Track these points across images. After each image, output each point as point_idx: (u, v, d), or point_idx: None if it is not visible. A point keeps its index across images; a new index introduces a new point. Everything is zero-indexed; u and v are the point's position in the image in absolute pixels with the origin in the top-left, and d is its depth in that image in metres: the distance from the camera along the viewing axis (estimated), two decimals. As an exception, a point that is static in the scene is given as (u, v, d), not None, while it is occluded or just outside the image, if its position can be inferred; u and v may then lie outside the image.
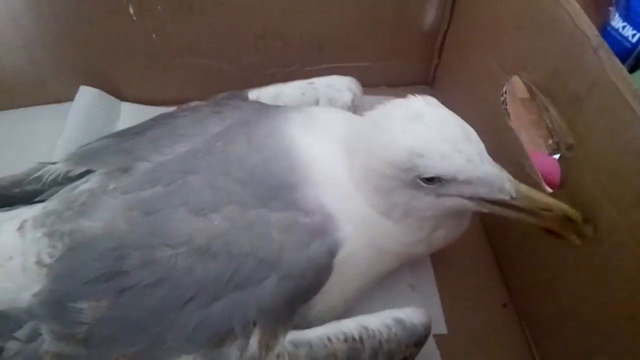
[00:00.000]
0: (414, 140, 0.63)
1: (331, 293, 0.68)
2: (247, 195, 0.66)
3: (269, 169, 0.69)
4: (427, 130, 0.63)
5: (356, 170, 0.69)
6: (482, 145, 0.65)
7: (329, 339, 0.63)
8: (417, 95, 0.68)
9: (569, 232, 0.67)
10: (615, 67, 0.60)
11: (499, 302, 0.91)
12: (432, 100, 0.68)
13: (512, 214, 0.66)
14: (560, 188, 0.71)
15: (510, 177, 0.64)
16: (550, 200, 0.65)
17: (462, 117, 0.67)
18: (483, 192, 0.64)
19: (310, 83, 0.90)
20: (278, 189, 0.67)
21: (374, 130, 0.67)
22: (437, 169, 0.62)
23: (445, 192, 0.65)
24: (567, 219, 0.65)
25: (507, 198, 0.64)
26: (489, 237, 0.99)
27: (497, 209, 0.66)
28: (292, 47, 1.09)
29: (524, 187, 0.65)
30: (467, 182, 0.63)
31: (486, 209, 0.67)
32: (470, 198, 0.66)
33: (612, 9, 1.22)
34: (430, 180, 0.64)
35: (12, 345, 0.62)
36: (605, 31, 1.21)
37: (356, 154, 0.69)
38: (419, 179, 0.64)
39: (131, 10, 0.99)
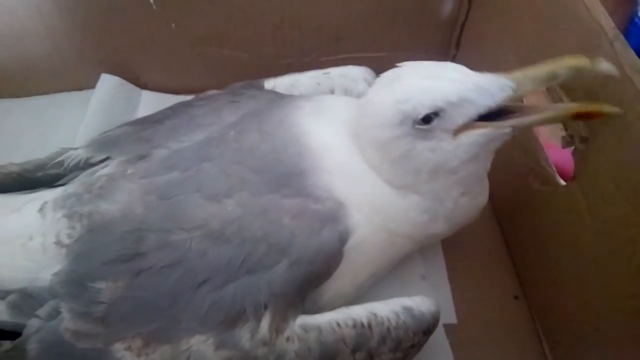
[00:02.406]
0: (393, 93, 0.64)
1: (342, 280, 0.69)
2: (260, 183, 0.67)
3: (279, 157, 0.69)
4: (402, 79, 0.65)
5: (368, 152, 0.69)
6: (462, 67, 0.64)
7: (338, 324, 0.64)
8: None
9: (598, 104, 0.62)
10: (630, 59, 0.59)
11: (510, 293, 0.91)
12: (403, 63, 0.67)
13: (533, 119, 0.63)
14: (573, 180, 0.71)
15: (502, 75, 0.62)
16: (550, 66, 0.61)
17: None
18: (484, 100, 0.62)
19: (326, 73, 0.90)
20: (288, 176, 0.68)
21: (362, 108, 0.69)
22: (425, 102, 0.62)
23: (455, 126, 0.63)
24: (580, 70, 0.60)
25: (510, 93, 0.62)
26: (502, 229, 0.98)
27: (516, 122, 0.63)
28: (309, 37, 1.09)
29: (519, 73, 0.62)
30: (464, 100, 0.62)
31: (507, 129, 0.64)
32: (481, 121, 0.63)
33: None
34: (428, 118, 0.63)
35: (33, 323, 0.64)
36: (632, 22, 1.18)
37: (360, 137, 0.69)
38: (417, 125, 0.63)
39: (151, 0, 1.00)
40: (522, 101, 0.69)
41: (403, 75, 0.65)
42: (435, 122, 0.63)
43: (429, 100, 0.62)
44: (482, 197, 0.75)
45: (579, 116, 0.62)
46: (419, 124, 0.63)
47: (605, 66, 0.58)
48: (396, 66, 0.67)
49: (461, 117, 0.63)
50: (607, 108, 0.60)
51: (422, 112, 0.62)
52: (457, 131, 0.64)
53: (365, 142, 0.68)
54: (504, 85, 0.61)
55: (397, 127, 0.64)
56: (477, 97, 0.62)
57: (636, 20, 1.18)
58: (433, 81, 0.63)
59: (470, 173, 0.68)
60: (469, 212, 0.74)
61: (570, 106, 0.63)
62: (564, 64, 0.60)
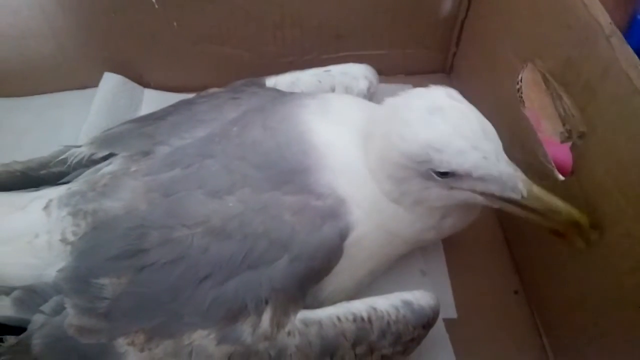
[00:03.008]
0: (431, 133, 0.63)
1: (342, 275, 0.70)
2: (261, 179, 0.68)
3: (283, 154, 0.70)
4: (446, 124, 0.63)
5: (371, 157, 0.70)
6: (499, 143, 0.65)
7: (339, 319, 0.65)
8: (438, 86, 0.68)
9: (575, 236, 0.67)
10: (627, 55, 0.60)
11: (510, 288, 0.91)
12: (453, 93, 0.67)
13: (521, 213, 0.67)
14: (571, 175, 0.71)
15: (524, 177, 0.64)
16: (560, 204, 0.64)
17: (479, 105, 0.67)
18: (495, 189, 0.65)
19: (327, 70, 0.91)
20: (291, 172, 0.69)
21: (393, 119, 0.67)
22: (452, 164, 0.63)
23: (458, 186, 0.66)
24: (575, 223, 0.65)
25: (518, 198, 0.64)
26: (502, 225, 0.99)
27: (506, 206, 0.67)
28: (310, 35, 1.10)
29: (536, 188, 0.65)
30: (481, 179, 0.64)
31: (496, 205, 0.67)
32: (482, 194, 0.66)
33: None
34: (444, 174, 0.64)
35: (38, 318, 0.65)
36: (634, 20, 1.18)
37: (372, 140, 0.70)
38: (433, 172, 0.64)
39: (153, -1, 1.01)
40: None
41: (447, 119, 0.64)
42: (448, 179, 0.65)
43: (457, 165, 0.63)
44: (469, 216, 0.77)
45: (555, 234, 0.68)
46: (436, 173, 0.65)
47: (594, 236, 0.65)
48: (436, 86, 0.68)
49: (468, 186, 0.66)
50: (579, 244, 0.67)
51: (445, 169, 0.64)
52: (455, 187, 0.67)
53: (375, 148, 0.69)
54: (518, 189, 0.64)
55: (415, 163, 0.65)
56: (492, 182, 0.64)
57: (638, 18, 1.18)
58: (470, 148, 0.63)
59: (452, 208, 0.72)
60: (456, 227, 0.77)
61: (555, 226, 0.67)
62: (571, 212, 0.64)
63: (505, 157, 0.65)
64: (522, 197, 0.64)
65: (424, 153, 0.63)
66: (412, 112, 0.66)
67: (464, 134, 0.63)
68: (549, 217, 0.66)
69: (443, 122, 0.63)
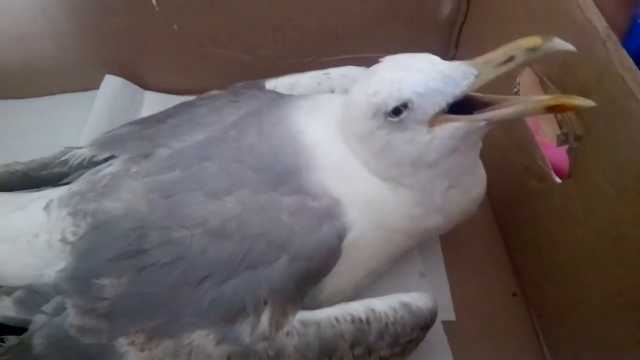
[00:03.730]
0: (366, 87, 0.66)
1: (340, 276, 0.70)
2: (259, 181, 0.69)
3: (277, 155, 0.71)
4: (375, 74, 0.67)
5: (352, 145, 0.70)
6: (432, 56, 0.66)
7: (337, 320, 0.65)
8: None
9: (570, 96, 0.62)
10: (622, 58, 0.60)
11: (508, 291, 0.92)
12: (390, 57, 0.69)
13: (505, 112, 0.64)
14: (569, 178, 0.72)
15: (466, 62, 0.64)
16: (505, 49, 0.62)
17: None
18: (452, 90, 0.63)
19: (326, 73, 0.92)
20: (285, 173, 0.69)
21: (345, 101, 0.71)
22: (393, 94, 0.64)
23: (425, 117, 0.64)
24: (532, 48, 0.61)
25: (473, 78, 0.63)
26: (500, 227, 0.99)
27: (489, 116, 0.64)
28: (310, 38, 1.11)
29: (479, 59, 0.64)
30: (431, 90, 0.63)
31: (481, 123, 0.65)
32: (454, 114, 0.64)
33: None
34: (398, 111, 0.64)
35: (39, 319, 0.65)
36: (635, 24, 1.18)
37: (344, 130, 0.71)
38: (389, 117, 0.65)
39: (154, 2, 1.02)
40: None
41: (378, 69, 0.67)
42: (405, 114, 0.64)
43: (395, 92, 0.64)
44: (475, 189, 0.76)
45: (552, 109, 0.62)
46: (390, 116, 0.65)
47: (558, 44, 0.60)
48: (379, 62, 0.69)
49: (430, 107, 0.64)
50: (579, 101, 0.60)
51: (391, 104, 0.64)
52: (433, 124, 0.65)
53: (348, 135, 0.70)
54: (467, 72, 0.63)
55: (371, 120, 0.66)
56: (443, 86, 0.63)
57: (639, 22, 1.18)
58: (401, 73, 0.65)
59: (452, 166, 0.69)
60: (462, 205, 0.75)
61: (543, 98, 0.64)
62: (518, 46, 0.61)
63: (442, 62, 0.65)
64: (475, 75, 0.63)
65: (368, 104, 0.66)
66: (356, 85, 0.70)
67: (392, 68, 0.66)
68: (527, 99, 0.64)
69: (372, 75, 0.67)
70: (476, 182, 0.76)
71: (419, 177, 0.69)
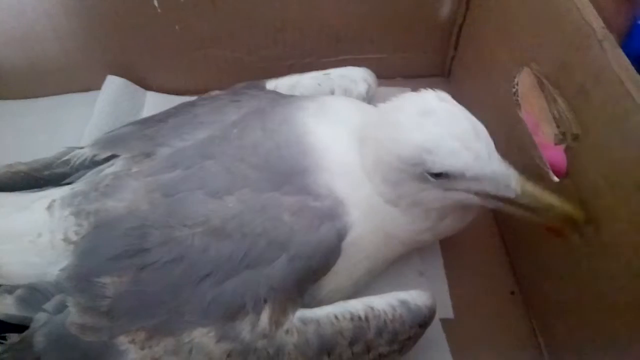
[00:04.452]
0: (423, 135, 0.64)
1: (340, 275, 0.71)
2: (261, 180, 0.69)
3: (282, 155, 0.71)
4: (437, 126, 0.64)
5: (366, 160, 0.71)
6: (491, 143, 0.66)
7: (336, 317, 0.66)
8: (430, 89, 0.69)
9: (571, 231, 0.68)
10: (619, 58, 0.61)
11: (506, 289, 0.92)
12: (444, 95, 0.68)
13: (517, 212, 0.68)
14: (566, 177, 0.72)
15: (517, 175, 0.65)
16: (554, 200, 0.66)
17: (477, 108, 0.68)
18: (489, 188, 0.66)
19: (326, 74, 0.92)
20: (290, 173, 0.70)
21: (386, 123, 0.69)
22: (444, 165, 0.64)
23: (452, 187, 0.67)
24: (570, 219, 0.66)
25: (512, 196, 0.65)
26: (499, 226, 1.00)
27: (502, 206, 0.68)
28: (310, 39, 1.11)
29: (529, 186, 0.66)
30: (474, 178, 0.65)
31: (491, 205, 0.69)
32: (477, 193, 0.67)
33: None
34: (438, 175, 0.65)
35: (40, 317, 0.65)
36: (635, 25, 1.18)
37: (367, 144, 0.71)
38: (426, 173, 0.65)
39: (155, 3, 1.02)
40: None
41: (439, 120, 0.65)
42: (442, 180, 0.66)
43: (449, 166, 0.64)
44: (466, 217, 0.77)
45: (549, 230, 0.70)
46: (430, 175, 0.66)
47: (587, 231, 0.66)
48: (428, 90, 0.69)
49: (463, 187, 0.67)
50: (573, 239, 0.68)
51: (438, 171, 0.65)
52: (450, 189, 0.68)
53: (370, 151, 0.71)
54: (511, 187, 0.65)
55: (408, 165, 0.66)
56: (485, 182, 0.65)
57: (639, 23, 1.18)
58: (462, 148, 0.64)
59: (449, 209, 0.72)
60: (453, 229, 0.78)
61: (549, 222, 0.69)
62: (565, 208, 0.66)
63: (497, 156, 0.65)
64: (516, 194, 0.65)
65: (417, 155, 0.64)
66: (404, 115, 0.67)
67: (456, 134, 0.64)
68: (544, 214, 0.67)
69: (434, 124, 0.65)
70: (468, 213, 0.77)
71: (415, 210, 0.72)
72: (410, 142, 0.65)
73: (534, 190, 0.66)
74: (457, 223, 0.77)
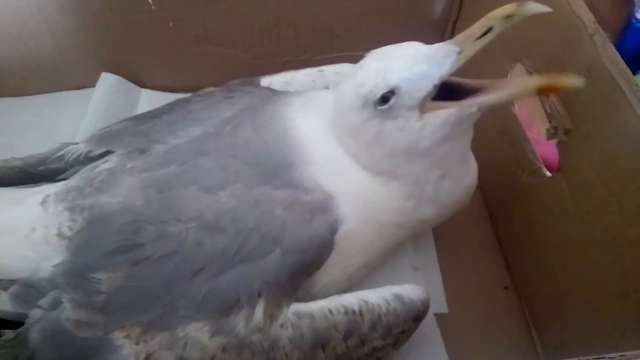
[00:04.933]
0: (353, 80, 0.68)
1: (333, 269, 0.71)
2: (253, 175, 0.70)
3: (269, 150, 0.72)
4: (362, 67, 0.68)
5: (344, 139, 0.71)
6: (417, 44, 0.67)
7: (330, 311, 0.66)
8: None
9: (560, 77, 0.60)
10: (609, 52, 0.62)
11: (500, 284, 0.93)
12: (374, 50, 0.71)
13: (496, 97, 0.64)
14: (558, 171, 0.73)
15: (447, 41, 0.65)
16: (483, 21, 0.63)
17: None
18: (436, 71, 0.64)
19: (320, 70, 0.93)
20: (278, 168, 0.70)
21: (334, 97, 0.72)
22: (379, 83, 0.65)
23: (414, 102, 0.65)
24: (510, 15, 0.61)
25: (455, 57, 0.63)
26: (492, 221, 1.00)
27: (480, 100, 0.65)
28: (305, 36, 1.12)
29: (459, 36, 0.65)
30: (417, 75, 0.64)
31: (472, 109, 0.65)
32: (441, 100, 0.65)
33: (637, 0, 1.19)
34: (386, 99, 0.65)
35: (35, 313, 0.65)
36: (630, 23, 1.19)
37: (335, 124, 0.72)
38: (378, 106, 0.65)
39: (150, 0, 1.02)
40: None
41: (364, 63, 0.69)
42: (393, 100, 0.65)
43: (381, 80, 0.65)
44: (467, 179, 0.76)
45: (543, 90, 0.62)
46: (379, 104, 0.66)
47: (533, 7, 0.59)
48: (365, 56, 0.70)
49: (418, 90, 0.65)
50: (570, 81, 0.59)
51: (378, 93, 0.65)
52: (424, 111, 0.66)
53: (339, 130, 0.71)
54: (449, 50, 0.64)
55: (361, 111, 0.67)
56: (427, 68, 0.64)
57: (633, 21, 1.19)
58: (385, 61, 0.66)
59: (446, 154, 0.70)
60: (455, 195, 0.76)
61: (533, 80, 0.64)
62: (494, 16, 0.62)
63: (426, 47, 0.66)
64: (457, 52, 0.64)
65: (356, 96, 0.67)
66: (344, 80, 0.71)
67: (377, 59, 0.68)
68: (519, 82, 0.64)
69: (359, 68, 0.69)
70: (468, 172, 0.76)
71: (412, 168, 0.70)
72: (347, 91, 0.68)
73: (465, 33, 0.64)
74: (458, 185, 0.75)
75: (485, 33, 0.62)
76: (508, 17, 0.61)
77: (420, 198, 0.73)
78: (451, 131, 0.67)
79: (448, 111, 0.65)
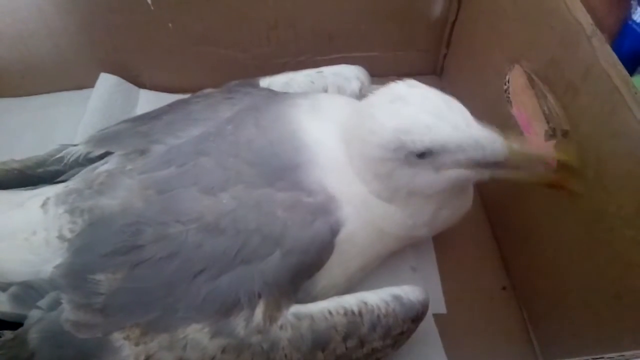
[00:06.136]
0: (397, 119, 0.65)
1: (333, 271, 0.71)
2: (254, 176, 0.70)
3: (275, 151, 0.72)
4: (409, 107, 0.66)
5: (355, 160, 0.71)
6: (467, 112, 0.66)
7: (330, 312, 0.66)
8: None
9: (571, 180, 0.66)
10: (607, 54, 0.62)
11: (498, 284, 0.93)
12: (413, 82, 0.70)
13: (511, 175, 0.67)
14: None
15: (501, 137, 0.65)
16: (543, 152, 0.66)
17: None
18: (476, 155, 0.65)
19: (319, 72, 0.93)
20: (283, 169, 0.70)
21: (361, 119, 0.70)
22: (424, 141, 0.64)
23: (442, 165, 0.67)
24: (564, 165, 0.66)
25: (501, 158, 0.65)
26: (490, 222, 1.01)
27: (496, 172, 0.67)
28: (303, 37, 1.12)
29: (516, 145, 0.66)
30: (459, 149, 0.65)
31: (486, 175, 0.68)
32: (467, 166, 0.67)
33: (634, 2, 1.20)
34: (422, 155, 0.66)
35: (35, 314, 0.65)
36: (626, 25, 1.19)
37: (351, 144, 0.72)
38: (411, 155, 0.66)
39: (149, 1, 1.02)
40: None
41: (410, 102, 0.66)
42: (428, 159, 0.66)
43: (428, 141, 0.64)
44: (463, 208, 0.78)
45: (550, 186, 0.68)
46: (414, 156, 0.66)
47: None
48: (402, 80, 0.69)
49: (451, 162, 0.67)
50: (576, 187, 0.66)
51: (420, 149, 0.65)
52: (441, 167, 0.67)
53: (355, 151, 0.71)
54: (498, 151, 0.65)
55: (390, 152, 0.66)
56: (472, 151, 0.65)
57: (630, 23, 1.19)
58: (437, 121, 0.64)
59: (446, 196, 0.72)
60: (450, 221, 0.78)
61: (546, 176, 0.68)
62: (555, 157, 0.66)
63: (476, 123, 0.66)
64: (505, 155, 0.65)
65: (395, 138, 0.65)
66: (376, 107, 0.68)
67: (428, 110, 0.65)
68: (538, 168, 0.67)
69: (405, 105, 0.66)
70: (464, 202, 0.78)
71: (412, 202, 0.72)
72: (386, 128, 0.66)
73: (521, 147, 0.66)
74: (453, 214, 0.77)
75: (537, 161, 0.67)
76: (567, 167, 0.67)
77: (416, 223, 0.74)
78: (459, 184, 0.70)
79: (462, 172, 0.68)
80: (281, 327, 0.65)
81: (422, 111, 0.65)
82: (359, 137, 0.70)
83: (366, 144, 0.68)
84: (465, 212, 0.79)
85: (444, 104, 0.66)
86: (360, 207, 0.71)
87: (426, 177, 0.68)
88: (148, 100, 1.15)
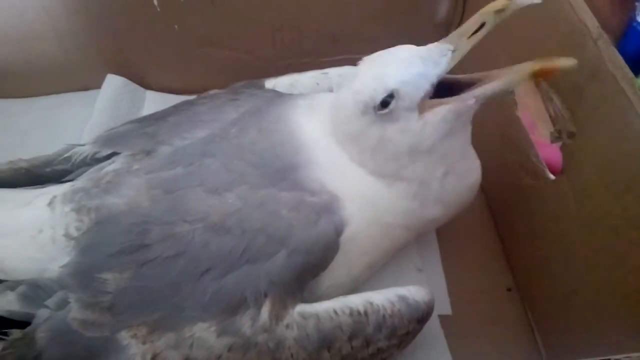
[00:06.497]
0: (351, 87, 0.69)
1: (338, 270, 0.71)
2: (258, 177, 0.70)
3: (276, 152, 0.72)
4: (359, 73, 0.69)
5: (347, 146, 0.72)
6: (409, 46, 0.68)
7: (335, 312, 0.66)
8: None
9: (552, 58, 0.62)
10: (613, 57, 0.62)
11: (503, 286, 0.93)
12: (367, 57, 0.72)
13: (494, 85, 0.65)
14: (562, 174, 0.73)
15: (442, 40, 0.65)
16: (475, 17, 0.64)
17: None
18: (433, 71, 0.65)
19: (325, 73, 0.93)
20: (284, 170, 0.71)
21: (333, 106, 0.73)
22: (377, 89, 0.66)
23: (413, 103, 0.66)
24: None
25: (449, 54, 0.64)
26: (495, 223, 1.01)
27: (477, 92, 0.66)
28: (308, 39, 1.12)
29: (452, 34, 0.66)
30: (415, 75, 0.65)
31: (469, 100, 0.66)
32: (439, 97, 0.66)
33: (638, 4, 1.20)
34: (386, 103, 0.66)
35: (42, 313, 0.66)
36: (631, 27, 1.20)
37: (336, 133, 0.73)
38: (379, 110, 0.67)
39: (155, 2, 1.03)
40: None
41: (359, 70, 0.70)
42: (393, 104, 0.66)
43: (380, 85, 0.66)
44: (470, 176, 0.77)
45: (537, 75, 0.62)
46: (379, 109, 0.66)
47: (523, 0, 0.60)
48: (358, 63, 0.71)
49: (416, 91, 0.66)
50: (562, 62, 0.60)
51: (378, 98, 0.66)
52: (423, 110, 0.67)
53: (341, 137, 0.72)
54: (444, 49, 0.65)
55: (361, 117, 0.68)
56: (423, 68, 0.65)
57: (634, 24, 1.19)
58: (382, 66, 0.67)
59: (448, 150, 0.71)
60: (460, 193, 0.76)
61: (527, 65, 0.64)
62: (486, 11, 0.63)
63: (420, 47, 0.67)
64: (452, 50, 0.65)
65: (355, 102, 0.68)
66: (341, 88, 0.73)
67: (373, 65, 0.69)
68: (515, 68, 0.64)
69: (359, 74, 0.70)
70: (471, 168, 0.77)
71: (416, 167, 0.71)
72: (346, 99, 0.69)
73: (458, 30, 0.65)
74: (462, 181, 0.75)
75: (478, 29, 0.63)
76: (499, 11, 0.62)
77: (425, 197, 0.73)
78: (451, 126, 0.68)
79: (446, 107, 0.66)
80: (287, 326, 0.65)
81: (367, 69, 0.69)
82: (336, 123, 0.72)
83: (342, 124, 0.71)
84: (475, 181, 0.77)
85: (387, 52, 0.69)
86: (362, 204, 0.71)
87: (414, 126, 0.67)
88: (154, 101, 1.15)
